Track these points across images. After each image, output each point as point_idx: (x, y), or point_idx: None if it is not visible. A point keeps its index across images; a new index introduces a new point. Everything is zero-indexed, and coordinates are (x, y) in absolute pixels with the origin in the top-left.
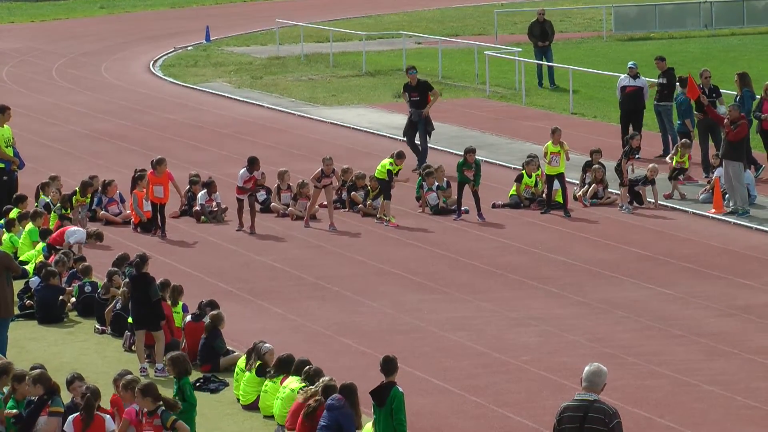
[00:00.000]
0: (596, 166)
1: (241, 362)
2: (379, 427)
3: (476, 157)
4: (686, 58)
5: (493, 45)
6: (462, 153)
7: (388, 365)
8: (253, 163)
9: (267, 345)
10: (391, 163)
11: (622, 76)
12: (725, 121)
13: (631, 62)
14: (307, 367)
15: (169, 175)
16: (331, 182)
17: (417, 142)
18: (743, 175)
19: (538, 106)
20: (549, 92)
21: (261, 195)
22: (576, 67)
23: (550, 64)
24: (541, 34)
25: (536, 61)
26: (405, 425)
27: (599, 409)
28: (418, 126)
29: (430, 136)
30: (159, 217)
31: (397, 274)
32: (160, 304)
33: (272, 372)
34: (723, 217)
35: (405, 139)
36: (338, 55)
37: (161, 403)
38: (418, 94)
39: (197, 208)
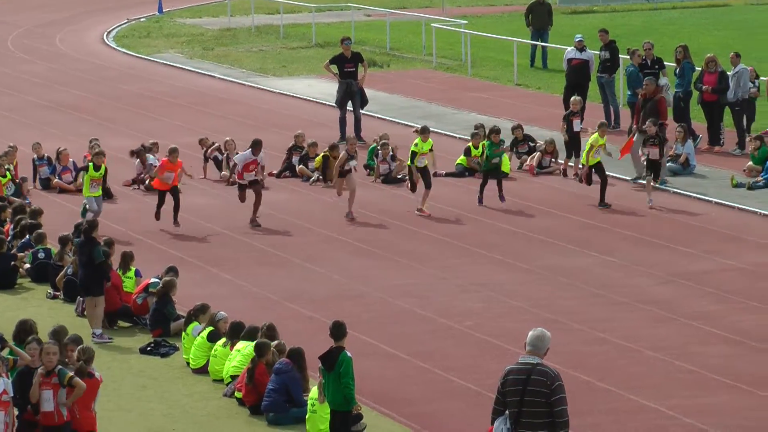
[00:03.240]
0: (549, 138)
1: (190, 327)
2: (327, 391)
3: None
4: (629, 30)
5: (440, 17)
6: (416, 126)
7: (338, 330)
8: (256, 146)
9: (221, 313)
10: (416, 145)
11: (569, 48)
12: (639, 97)
13: (578, 35)
14: (263, 324)
15: (180, 165)
16: (351, 169)
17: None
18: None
19: (483, 78)
20: (494, 65)
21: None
22: (521, 39)
23: (545, 44)
24: (539, 16)
25: (531, 42)
26: (352, 389)
27: (542, 371)
28: (355, 96)
29: (363, 107)
30: (173, 201)
31: (345, 242)
32: (103, 267)
33: (226, 339)
34: (665, 187)
35: (338, 107)
36: (288, 26)
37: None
38: (353, 65)
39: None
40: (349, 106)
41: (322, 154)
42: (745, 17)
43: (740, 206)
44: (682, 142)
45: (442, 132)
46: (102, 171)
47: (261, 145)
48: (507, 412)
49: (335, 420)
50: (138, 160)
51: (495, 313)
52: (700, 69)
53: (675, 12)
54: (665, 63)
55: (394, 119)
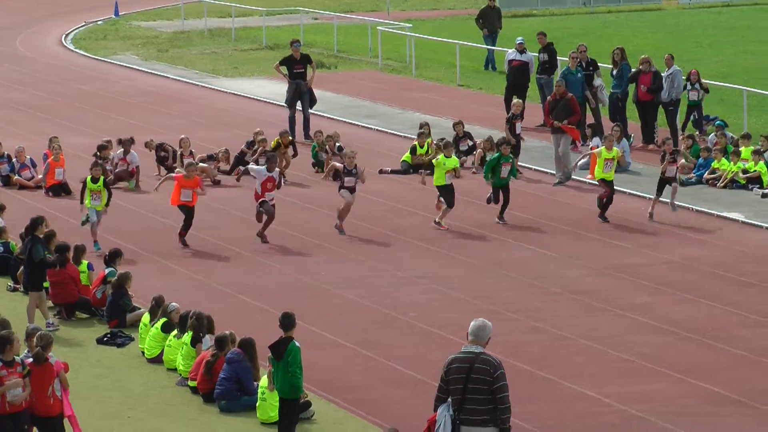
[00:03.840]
0: (487, 136)
1: (146, 318)
2: (276, 379)
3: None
4: (567, 33)
5: (385, 21)
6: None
7: (287, 321)
8: (270, 161)
9: (173, 304)
10: (437, 160)
11: (510, 50)
12: (549, 97)
13: (519, 38)
14: (191, 313)
15: (198, 182)
16: (355, 183)
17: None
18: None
19: (427, 78)
20: (437, 66)
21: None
22: (463, 42)
23: (495, 48)
24: (490, 20)
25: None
26: (300, 378)
27: (485, 360)
28: (304, 96)
29: (312, 107)
30: (188, 221)
31: (295, 236)
32: (41, 264)
33: (178, 330)
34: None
35: (288, 107)
36: (240, 29)
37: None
38: (302, 67)
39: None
40: (299, 106)
41: (275, 141)
42: (677, 20)
43: (727, 215)
44: (617, 141)
45: (388, 131)
46: (100, 183)
47: (276, 160)
48: (450, 399)
49: (284, 407)
50: (122, 149)
51: (437, 304)
52: (635, 69)
53: (611, 15)
54: (600, 64)
55: (341, 118)
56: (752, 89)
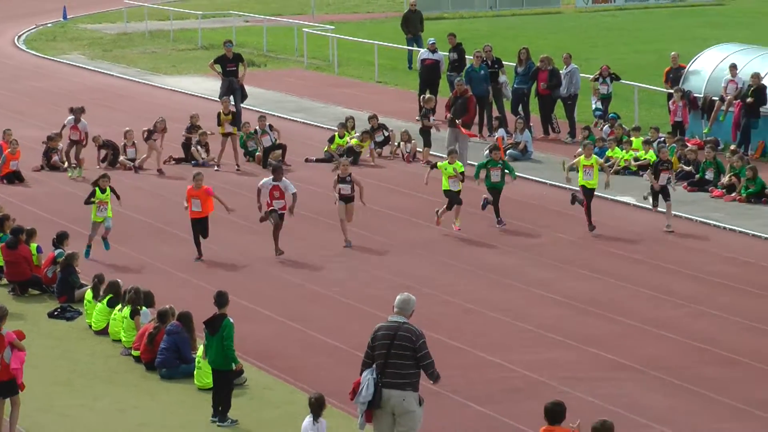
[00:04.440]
0: (404, 129)
1: (88, 295)
2: (210, 352)
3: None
4: (474, 34)
5: (310, 23)
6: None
7: (221, 299)
8: (276, 171)
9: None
10: (444, 168)
11: (423, 50)
12: (451, 94)
13: (431, 39)
14: (129, 288)
15: (208, 191)
16: (351, 191)
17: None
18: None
19: (349, 76)
20: (358, 65)
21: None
22: (381, 42)
23: (413, 48)
24: (413, 23)
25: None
26: (233, 351)
27: (408, 329)
28: (236, 92)
29: (243, 101)
30: (199, 232)
31: (230, 220)
32: None
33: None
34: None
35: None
36: (178, 31)
37: None
38: (234, 65)
39: (55, 158)
40: (231, 101)
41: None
42: (575, 23)
43: (570, 187)
44: (521, 132)
45: (313, 123)
46: (107, 193)
47: (281, 171)
48: (375, 364)
49: (217, 377)
50: (73, 117)
51: (359, 281)
52: (535, 67)
53: (515, 18)
54: (504, 62)
55: (270, 112)
56: (642, 85)
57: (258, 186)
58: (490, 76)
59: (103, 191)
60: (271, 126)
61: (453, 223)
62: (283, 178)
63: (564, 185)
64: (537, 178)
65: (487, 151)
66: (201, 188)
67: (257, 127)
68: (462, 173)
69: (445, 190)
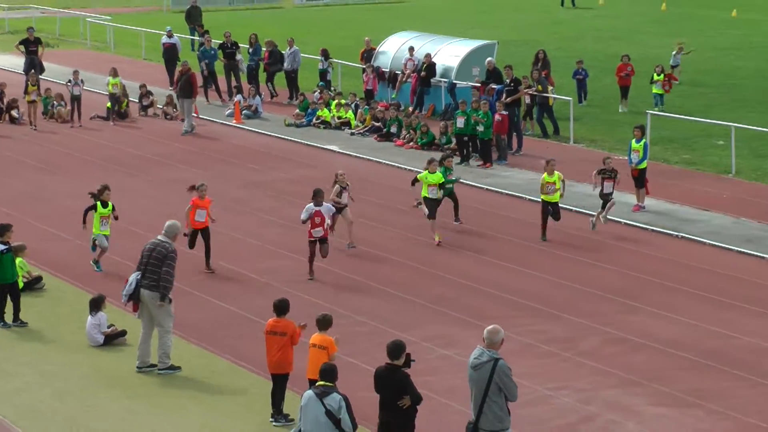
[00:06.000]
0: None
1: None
2: None
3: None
4: (217, 23)
5: (92, 14)
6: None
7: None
8: (317, 195)
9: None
10: (425, 177)
11: (163, 36)
12: (177, 71)
13: (168, 27)
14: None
15: (209, 201)
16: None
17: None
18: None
19: (122, 54)
20: (129, 47)
21: None
22: (149, 30)
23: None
24: (194, 17)
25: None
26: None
27: (162, 245)
28: (36, 67)
29: (42, 73)
30: (204, 244)
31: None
32: None
33: None
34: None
35: (25, 74)
36: None
37: None
38: (35, 46)
39: None
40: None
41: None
42: (295, 15)
43: (327, 146)
44: (253, 97)
45: (93, 90)
46: (110, 207)
47: (322, 194)
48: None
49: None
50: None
51: (291, 272)
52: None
53: (248, 12)
54: (240, 45)
55: (61, 81)
56: (344, 62)
57: (302, 218)
58: (229, 55)
59: (105, 206)
60: (82, 80)
61: (433, 238)
62: (324, 203)
63: (287, 137)
64: (266, 132)
65: (437, 161)
66: (206, 199)
67: (71, 78)
68: (442, 183)
69: (425, 197)
